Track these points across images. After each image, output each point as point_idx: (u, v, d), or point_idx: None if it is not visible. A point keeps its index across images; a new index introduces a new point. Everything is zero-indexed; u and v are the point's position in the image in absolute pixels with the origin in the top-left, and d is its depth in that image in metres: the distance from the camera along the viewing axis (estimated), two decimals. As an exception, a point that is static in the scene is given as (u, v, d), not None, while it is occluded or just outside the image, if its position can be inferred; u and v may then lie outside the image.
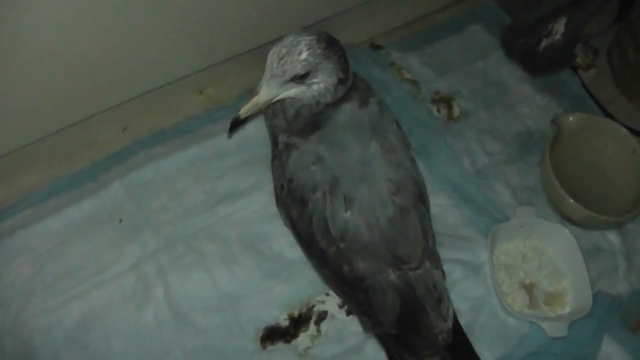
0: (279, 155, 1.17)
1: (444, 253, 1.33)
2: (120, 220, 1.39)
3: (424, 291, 1.11)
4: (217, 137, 1.50)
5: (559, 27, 1.67)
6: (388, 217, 1.10)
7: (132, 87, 1.43)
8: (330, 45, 1.09)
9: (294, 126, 1.16)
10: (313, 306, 1.31)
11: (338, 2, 1.57)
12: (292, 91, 1.12)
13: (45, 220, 1.37)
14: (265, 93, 1.11)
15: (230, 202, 1.41)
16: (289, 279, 1.32)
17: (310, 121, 1.15)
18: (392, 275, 1.10)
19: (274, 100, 1.12)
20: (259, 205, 1.39)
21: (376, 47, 1.73)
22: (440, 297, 1.13)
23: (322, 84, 1.11)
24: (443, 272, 1.18)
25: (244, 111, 1.14)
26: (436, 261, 1.16)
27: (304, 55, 1.06)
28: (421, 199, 1.16)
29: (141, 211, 1.40)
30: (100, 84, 1.35)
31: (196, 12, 1.33)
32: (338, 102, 1.15)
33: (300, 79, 1.09)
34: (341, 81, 1.12)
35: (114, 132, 1.54)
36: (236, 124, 1.16)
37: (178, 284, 1.31)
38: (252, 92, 1.43)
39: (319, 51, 1.07)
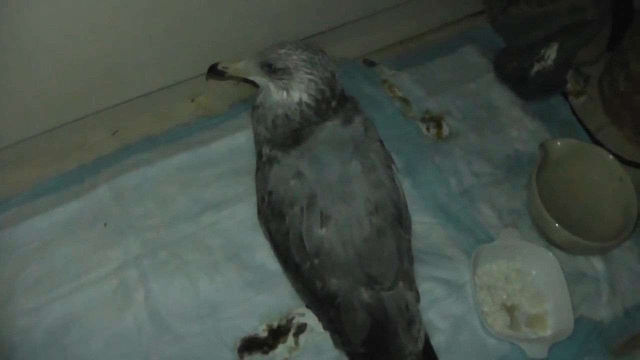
0: (261, 167, 1.19)
1: (426, 271, 1.35)
2: (105, 224, 1.39)
3: (395, 312, 1.12)
4: (207, 146, 1.50)
5: (551, 53, 1.68)
6: (364, 236, 1.10)
7: (124, 90, 1.44)
8: (312, 65, 1.12)
9: (275, 137, 1.17)
10: (293, 318, 1.30)
11: (334, 17, 1.58)
12: (260, 79, 1.17)
13: (31, 219, 1.37)
14: (243, 64, 1.18)
15: (216, 210, 1.41)
16: (270, 290, 1.32)
17: (292, 135, 1.16)
18: (365, 295, 1.11)
19: (247, 77, 1.19)
20: (244, 215, 1.39)
21: (370, 63, 1.74)
22: (412, 319, 1.14)
23: (284, 92, 1.13)
24: (417, 293, 1.19)
25: (222, 64, 1.20)
26: (410, 283, 1.17)
27: (282, 51, 1.11)
28: (399, 220, 1.17)
29: (126, 216, 1.40)
30: (93, 85, 1.35)
31: (191, 20, 1.35)
32: (321, 120, 1.16)
33: (269, 68, 1.13)
34: (307, 105, 1.14)
35: (104, 135, 1.54)
36: (212, 70, 1.22)
37: (159, 290, 1.31)
38: (244, 101, 1.47)
39: (295, 57, 1.10)
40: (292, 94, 1.14)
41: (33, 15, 1.11)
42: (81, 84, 1.32)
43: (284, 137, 1.17)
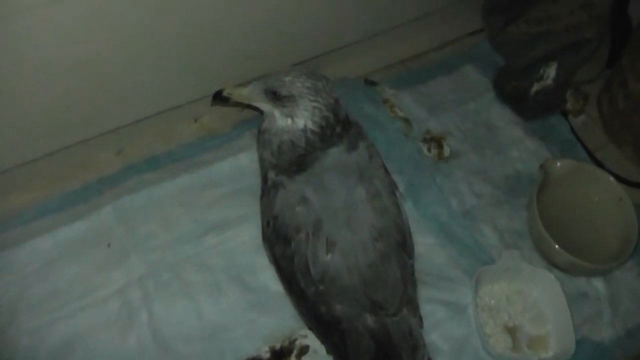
0: (267, 191, 1.19)
1: (428, 292, 1.35)
2: (109, 244, 1.39)
3: (400, 338, 1.12)
4: (210, 166, 1.51)
5: (551, 72, 1.69)
6: (368, 262, 1.11)
7: (128, 113, 1.45)
8: (317, 92, 1.13)
9: (281, 162, 1.18)
10: (295, 340, 1.30)
11: (335, 38, 1.59)
12: (265, 105, 1.18)
13: (35, 240, 1.37)
14: (248, 91, 1.20)
15: (219, 232, 1.42)
16: (273, 312, 1.32)
17: (297, 161, 1.17)
18: (369, 320, 1.12)
19: (252, 103, 1.21)
20: (247, 236, 1.40)
21: (371, 83, 1.75)
22: (415, 345, 1.15)
23: (289, 119, 1.14)
24: (421, 319, 1.19)
25: (227, 90, 1.22)
26: (414, 308, 1.18)
27: (287, 78, 1.13)
28: (403, 246, 1.18)
29: (130, 236, 1.40)
30: (97, 109, 1.36)
31: (195, 43, 1.35)
32: (326, 146, 1.17)
33: (273, 96, 1.14)
34: (311, 132, 1.15)
35: (108, 155, 1.54)
36: (217, 96, 1.24)
37: (162, 311, 1.31)
38: (246, 122, 1.48)
39: (299, 85, 1.12)
40: (296, 121, 1.16)
41: (37, 38, 1.11)
42: (85, 106, 1.33)
43: (290, 162, 1.18)
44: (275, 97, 1.15)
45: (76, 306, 1.31)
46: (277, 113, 1.17)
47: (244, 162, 1.51)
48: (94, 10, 1.12)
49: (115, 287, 1.34)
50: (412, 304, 1.18)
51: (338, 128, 1.18)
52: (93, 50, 1.21)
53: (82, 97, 1.31)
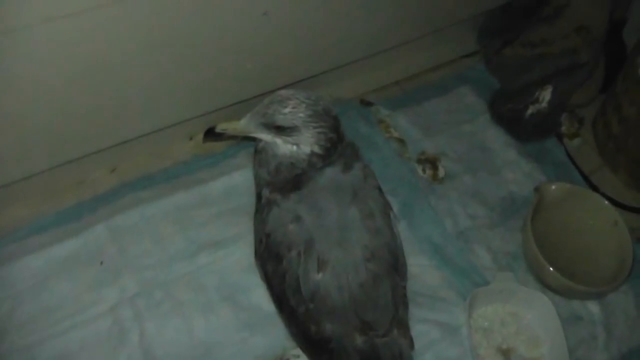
0: (260, 209, 1.20)
1: (421, 313, 1.35)
2: (102, 263, 1.39)
3: (389, 359, 1.11)
4: (204, 185, 1.51)
5: (546, 95, 1.70)
6: (360, 282, 1.11)
7: (123, 131, 1.45)
8: (318, 117, 1.13)
9: (276, 181, 1.18)
10: (287, 360, 1.30)
11: (330, 59, 1.60)
12: (265, 136, 1.18)
13: (28, 257, 1.36)
14: (244, 124, 1.19)
15: (212, 250, 1.41)
16: (265, 331, 1.32)
17: (292, 180, 1.17)
18: (359, 340, 1.11)
19: (249, 135, 1.20)
20: (240, 255, 1.39)
21: (366, 103, 1.76)
22: None
23: (294, 146, 1.14)
24: (412, 340, 1.19)
25: (220, 126, 1.21)
26: (405, 330, 1.17)
27: (287, 110, 1.11)
28: (395, 267, 1.18)
29: (122, 255, 1.40)
30: (92, 126, 1.36)
31: (190, 63, 1.35)
32: (322, 166, 1.18)
33: (275, 129, 1.13)
34: (316, 155, 1.16)
35: (102, 173, 1.54)
36: (209, 133, 1.23)
37: (154, 330, 1.30)
38: (241, 140, 1.48)
39: (301, 115, 1.11)
40: (302, 148, 1.17)
41: (33, 56, 1.12)
42: (81, 124, 1.33)
43: (285, 181, 1.18)
44: (277, 129, 1.15)
45: (67, 324, 1.30)
46: (279, 141, 1.18)
47: (238, 180, 1.51)
48: (90, 28, 1.12)
49: (107, 305, 1.33)
50: (402, 326, 1.17)
51: (340, 145, 1.20)
52: (88, 68, 1.21)
53: (78, 114, 1.30)
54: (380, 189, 1.26)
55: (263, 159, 1.23)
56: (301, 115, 1.12)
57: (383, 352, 1.12)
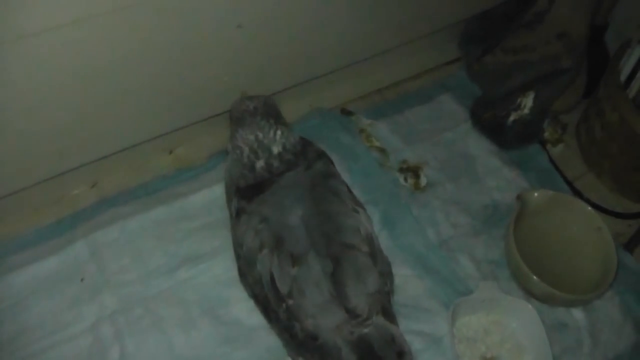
0: (233, 223, 1.20)
1: (404, 324, 1.33)
2: (82, 280, 1.37)
3: (382, 345, 1.09)
4: (185, 198, 1.50)
5: (527, 102, 1.69)
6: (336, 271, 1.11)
7: (103, 146, 1.44)
8: (251, 114, 1.23)
9: (240, 184, 1.22)
10: (268, 374, 1.28)
11: (309, 68, 1.60)
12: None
13: (7, 276, 1.35)
14: None
15: (192, 265, 1.40)
16: (246, 345, 1.30)
17: (256, 185, 1.20)
18: (346, 331, 1.09)
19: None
20: (220, 269, 1.38)
21: (347, 112, 1.75)
22: (401, 350, 1.11)
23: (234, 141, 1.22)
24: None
25: None
26: (392, 318, 1.15)
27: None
28: (372, 257, 1.18)
29: (102, 271, 1.38)
30: (72, 142, 1.35)
31: (167, 76, 1.35)
32: (283, 171, 1.21)
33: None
34: (255, 155, 1.21)
35: (83, 188, 1.54)
36: None
37: (134, 346, 1.29)
38: (222, 152, 1.48)
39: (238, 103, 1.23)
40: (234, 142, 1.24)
41: (10, 72, 1.11)
42: (60, 140, 1.33)
43: (245, 185, 1.22)
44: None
45: (47, 343, 1.28)
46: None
47: (218, 193, 1.49)
48: (68, 42, 1.12)
49: (87, 323, 1.32)
50: (389, 314, 1.15)
51: (276, 164, 1.22)
52: (66, 84, 1.21)
53: (57, 131, 1.30)
54: (345, 183, 1.30)
55: (229, 160, 1.27)
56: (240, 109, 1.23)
57: (374, 340, 1.09)
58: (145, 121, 1.44)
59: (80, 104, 1.28)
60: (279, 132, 1.23)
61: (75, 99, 1.26)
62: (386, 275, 1.23)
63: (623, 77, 1.67)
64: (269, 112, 1.25)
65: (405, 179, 1.63)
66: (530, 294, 1.45)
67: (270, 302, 1.14)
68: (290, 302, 1.11)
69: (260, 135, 1.22)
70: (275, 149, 1.22)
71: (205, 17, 1.26)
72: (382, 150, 1.68)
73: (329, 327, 1.10)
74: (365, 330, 1.10)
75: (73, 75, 1.20)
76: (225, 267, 1.36)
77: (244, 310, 1.32)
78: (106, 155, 1.46)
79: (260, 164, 1.21)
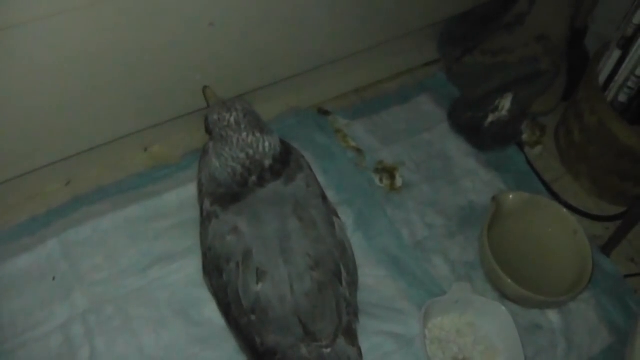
0: (202, 222, 1.19)
1: (376, 325, 1.34)
2: (54, 278, 1.36)
3: None
4: (158, 197, 1.49)
5: (506, 103, 1.69)
6: (305, 291, 1.10)
7: (77, 142, 1.43)
8: (228, 126, 1.17)
9: (210, 190, 1.20)
10: (238, 375, 1.28)
11: (285, 67, 1.59)
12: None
13: (-20, 275, 1.33)
14: None
15: (164, 264, 1.39)
16: (216, 346, 1.29)
17: (231, 192, 1.17)
18: (304, 351, 1.09)
19: None
20: (192, 269, 1.37)
21: (324, 112, 1.75)
22: None
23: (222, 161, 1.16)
24: (360, 350, 1.17)
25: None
26: (353, 338, 1.15)
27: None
28: (338, 276, 1.16)
29: (75, 270, 1.37)
30: (45, 138, 1.34)
31: (145, 71, 1.34)
32: (262, 182, 1.17)
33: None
34: (248, 172, 1.17)
35: (57, 186, 1.52)
36: None
37: (104, 346, 1.28)
38: (197, 150, 1.47)
39: (215, 117, 1.18)
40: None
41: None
42: (33, 136, 1.32)
43: (220, 192, 1.19)
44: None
45: (17, 342, 1.27)
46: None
47: (192, 192, 1.47)
48: (40, 37, 1.11)
49: (58, 322, 1.31)
50: (350, 334, 1.15)
51: (256, 173, 1.18)
52: (37, 79, 1.20)
53: (30, 127, 1.29)
54: (324, 197, 1.26)
55: (202, 163, 1.26)
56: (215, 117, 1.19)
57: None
58: (119, 118, 1.43)
59: (53, 99, 1.26)
60: (267, 145, 1.17)
61: (48, 95, 1.25)
62: (350, 285, 1.23)
63: (601, 80, 1.67)
64: (251, 123, 1.17)
65: (381, 180, 1.63)
66: (504, 295, 1.45)
67: (232, 310, 1.14)
68: (253, 317, 1.10)
69: (251, 152, 1.15)
70: (267, 163, 1.17)
71: (177, 15, 1.25)
72: (358, 151, 1.68)
73: (288, 345, 1.10)
74: (324, 352, 1.11)
75: (45, 71, 1.19)
76: (197, 267, 1.34)
77: (216, 311, 1.30)
78: (80, 152, 1.45)
79: (252, 179, 1.17)
